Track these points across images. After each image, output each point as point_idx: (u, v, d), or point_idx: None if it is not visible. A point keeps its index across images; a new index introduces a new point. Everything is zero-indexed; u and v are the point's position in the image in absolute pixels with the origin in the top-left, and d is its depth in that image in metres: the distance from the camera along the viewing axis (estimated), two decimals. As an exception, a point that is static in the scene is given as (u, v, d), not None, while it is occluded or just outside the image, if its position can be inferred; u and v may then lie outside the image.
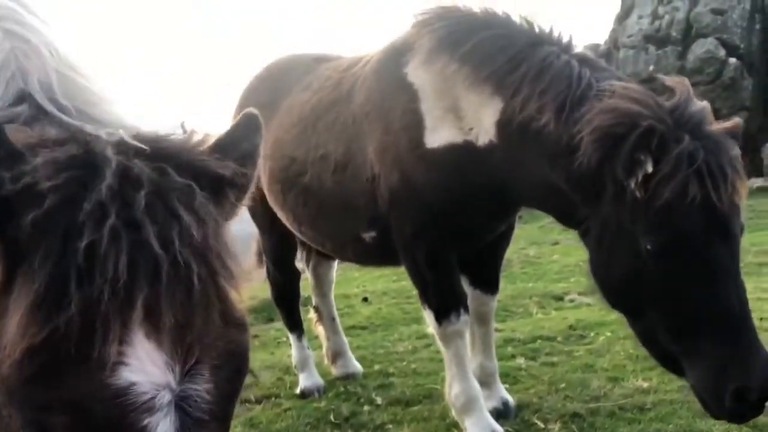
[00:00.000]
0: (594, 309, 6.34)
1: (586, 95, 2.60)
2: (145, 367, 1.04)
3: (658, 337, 2.49)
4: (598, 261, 2.64)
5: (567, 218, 2.87)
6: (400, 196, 3.22)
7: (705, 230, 2.30)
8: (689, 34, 20.11)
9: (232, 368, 1.15)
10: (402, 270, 11.89)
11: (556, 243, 10.78)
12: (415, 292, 9.04)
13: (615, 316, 5.60)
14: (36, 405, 1.03)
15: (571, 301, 6.92)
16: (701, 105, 2.49)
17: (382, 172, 3.26)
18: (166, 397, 1.05)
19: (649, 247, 2.36)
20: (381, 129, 3.23)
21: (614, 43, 22.50)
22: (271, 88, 4.26)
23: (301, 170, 3.70)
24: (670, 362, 2.55)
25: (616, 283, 2.57)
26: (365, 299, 8.25)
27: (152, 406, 1.03)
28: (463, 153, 2.99)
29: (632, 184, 2.34)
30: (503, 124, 2.85)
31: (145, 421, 1.02)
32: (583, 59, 2.83)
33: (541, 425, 3.49)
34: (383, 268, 12.62)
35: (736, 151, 2.42)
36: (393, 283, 10.04)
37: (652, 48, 20.32)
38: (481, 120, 2.93)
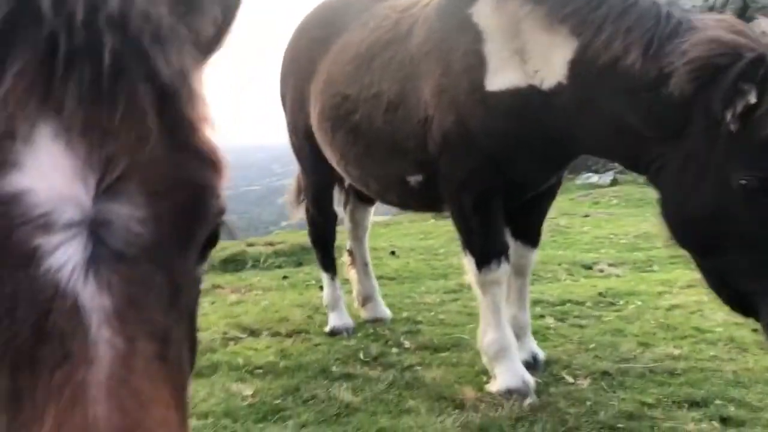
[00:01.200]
0: (624, 279, 6.34)
1: (676, 31, 2.55)
2: (44, 171, 0.80)
3: (732, 276, 2.46)
4: (675, 198, 2.60)
5: (634, 160, 2.83)
6: (453, 140, 3.20)
7: None
8: (744, 13, 19.58)
9: (182, 200, 0.88)
10: (430, 229, 12.00)
11: (586, 215, 10.71)
12: (442, 249, 9.13)
13: (645, 286, 5.66)
14: None
15: (601, 270, 6.90)
16: None
17: (436, 114, 3.24)
18: (70, 214, 0.80)
19: (743, 182, 2.30)
20: (440, 70, 3.21)
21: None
22: (326, 24, 4.24)
23: (353, 108, 3.70)
24: (740, 302, 2.51)
25: (696, 220, 2.52)
26: (393, 253, 8.31)
27: (50, 222, 0.79)
28: (525, 97, 2.96)
29: (728, 117, 2.28)
30: (577, 64, 2.81)
31: (38, 242, 0.79)
32: (669, 1, 2.78)
33: (571, 380, 3.52)
34: (413, 225, 12.64)
35: None
36: (420, 240, 10.10)
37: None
38: (549, 61, 2.89)
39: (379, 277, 6.89)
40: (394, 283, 6.66)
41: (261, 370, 3.85)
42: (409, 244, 9.51)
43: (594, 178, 13.79)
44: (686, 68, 2.38)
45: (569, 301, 5.23)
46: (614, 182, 13.39)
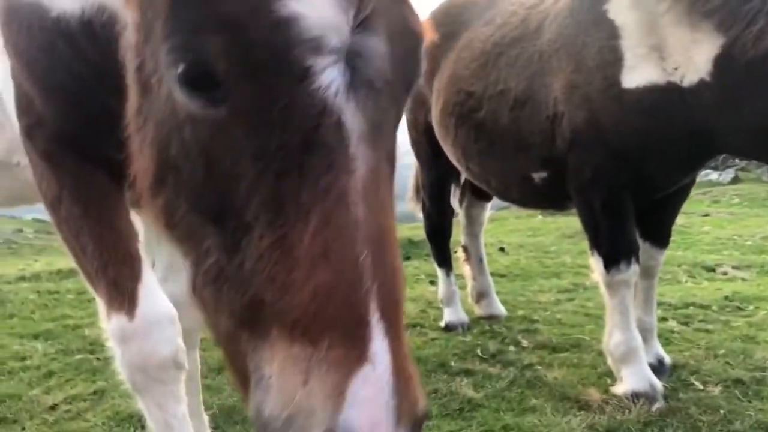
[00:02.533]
0: (751, 283, 6.02)
1: None
2: (314, 1, 0.90)
3: None
4: None
5: None
6: (584, 137, 3.15)
7: None
8: None
9: (409, 45, 1.01)
10: (538, 225, 11.82)
11: (706, 215, 10.25)
12: (553, 247, 8.97)
13: (777, 292, 5.35)
14: (189, 25, 0.91)
15: (724, 273, 6.59)
16: None
17: (566, 111, 3.20)
18: (335, 41, 0.90)
19: None
20: (572, 66, 3.16)
21: None
22: (451, 20, 4.25)
23: (477, 105, 3.71)
24: None
25: None
26: (502, 249, 8.25)
27: (320, 45, 0.89)
28: (663, 95, 2.87)
29: None
30: (723, 60, 2.70)
31: (311, 62, 0.89)
32: None
33: (700, 386, 3.39)
34: (521, 222, 12.48)
35: None
36: (529, 237, 9.97)
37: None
38: (691, 58, 2.78)
39: (490, 274, 6.89)
40: (506, 281, 6.62)
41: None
42: (517, 240, 9.41)
43: (713, 175, 13.15)
44: None
45: (692, 304, 5.04)
46: (735, 180, 12.72)
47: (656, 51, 2.87)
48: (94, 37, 1.55)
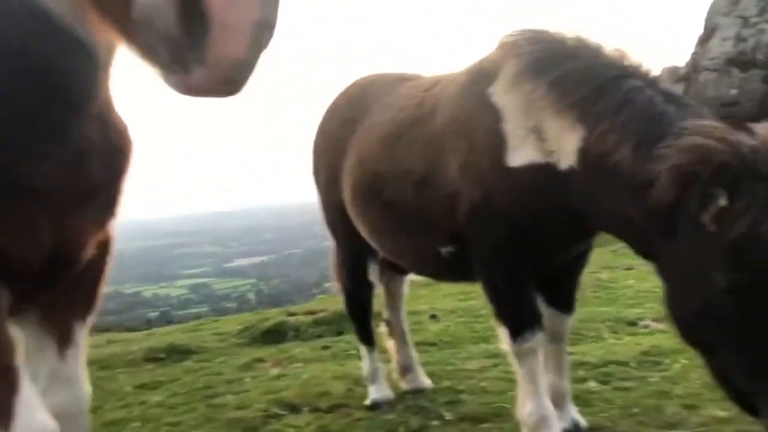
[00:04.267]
0: (669, 335, 6.16)
1: (665, 132, 2.59)
2: None
3: (731, 375, 2.43)
4: (671, 295, 2.62)
5: (644, 249, 2.84)
6: (481, 213, 3.28)
7: None
8: (774, 57, 19.49)
9: None
10: (470, 289, 11.90)
11: (629, 268, 10.55)
12: (484, 311, 9.06)
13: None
14: None
15: (645, 327, 6.77)
16: None
17: (464, 189, 3.33)
18: None
19: (722, 283, 2.32)
20: (464, 147, 3.31)
21: (695, 66, 21.98)
22: (353, 106, 4.40)
23: (383, 185, 3.82)
24: (745, 401, 2.46)
25: (690, 319, 2.53)
26: (433, 316, 8.28)
27: None
28: (544, 173, 3.03)
29: (705, 219, 2.32)
30: (584, 153, 2.87)
31: None
32: (668, 95, 2.82)
33: (615, 449, 3.46)
34: (453, 286, 12.61)
35: None
36: (460, 302, 10.03)
37: (735, 71, 19.77)
38: (562, 145, 2.96)
39: (420, 343, 6.88)
40: (435, 349, 6.64)
41: (302, 449, 3.88)
42: (450, 305, 9.46)
43: (634, 229, 13.61)
44: (668, 175, 2.42)
45: (612, 362, 5.15)
46: (655, 232, 13.20)
47: (534, 133, 3.05)
48: None
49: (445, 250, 3.66)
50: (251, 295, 63.78)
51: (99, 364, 6.76)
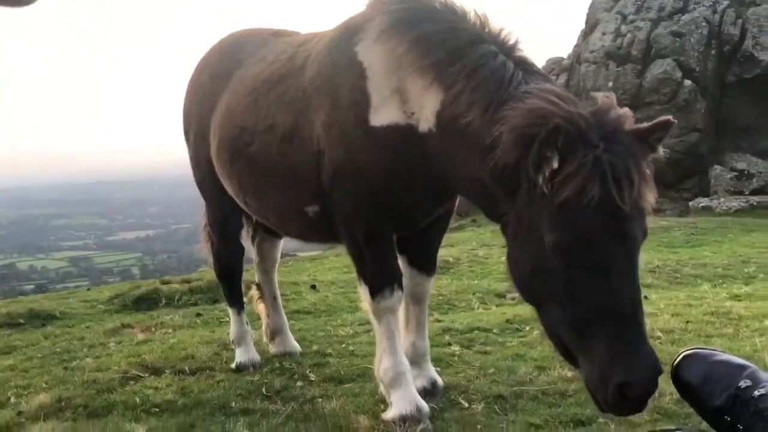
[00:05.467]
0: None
1: (512, 96, 2.66)
2: None
3: (558, 331, 2.54)
4: (511, 255, 2.70)
5: (491, 212, 2.89)
6: (344, 172, 3.27)
7: (602, 230, 2.32)
8: (649, 54, 20.68)
9: None
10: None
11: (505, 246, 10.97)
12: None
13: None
14: None
15: (513, 298, 7.06)
16: (621, 111, 2.50)
17: (327, 147, 3.31)
18: None
19: (550, 242, 2.40)
20: (329, 104, 3.28)
21: (577, 58, 22.98)
22: (225, 59, 4.28)
23: (250, 140, 3.73)
24: (570, 356, 2.58)
25: (525, 277, 2.60)
26: (313, 287, 8.30)
27: None
28: (404, 135, 3.05)
29: (540, 180, 2.40)
30: (441, 115, 2.91)
31: None
32: (520, 62, 2.88)
33: (466, 404, 3.58)
34: (338, 259, 12.60)
35: (647, 154, 2.42)
36: (343, 274, 10.09)
37: (612, 65, 20.83)
38: (422, 107, 2.99)
39: (297, 311, 6.88)
40: (311, 317, 6.65)
41: (158, 409, 3.77)
42: (331, 277, 9.51)
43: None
44: (508, 136, 2.49)
45: (477, 328, 5.33)
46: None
47: (398, 94, 3.06)
48: None
49: (311, 209, 3.63)
50: (136, 270, 61.30)
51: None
